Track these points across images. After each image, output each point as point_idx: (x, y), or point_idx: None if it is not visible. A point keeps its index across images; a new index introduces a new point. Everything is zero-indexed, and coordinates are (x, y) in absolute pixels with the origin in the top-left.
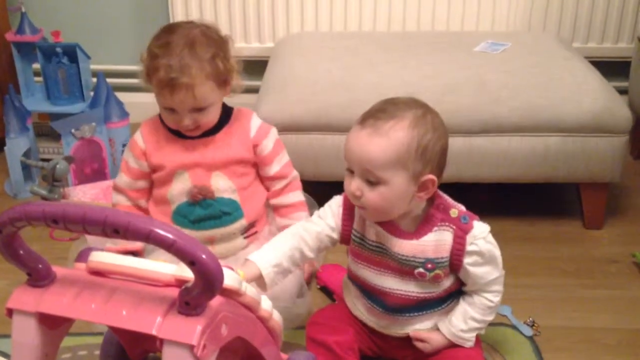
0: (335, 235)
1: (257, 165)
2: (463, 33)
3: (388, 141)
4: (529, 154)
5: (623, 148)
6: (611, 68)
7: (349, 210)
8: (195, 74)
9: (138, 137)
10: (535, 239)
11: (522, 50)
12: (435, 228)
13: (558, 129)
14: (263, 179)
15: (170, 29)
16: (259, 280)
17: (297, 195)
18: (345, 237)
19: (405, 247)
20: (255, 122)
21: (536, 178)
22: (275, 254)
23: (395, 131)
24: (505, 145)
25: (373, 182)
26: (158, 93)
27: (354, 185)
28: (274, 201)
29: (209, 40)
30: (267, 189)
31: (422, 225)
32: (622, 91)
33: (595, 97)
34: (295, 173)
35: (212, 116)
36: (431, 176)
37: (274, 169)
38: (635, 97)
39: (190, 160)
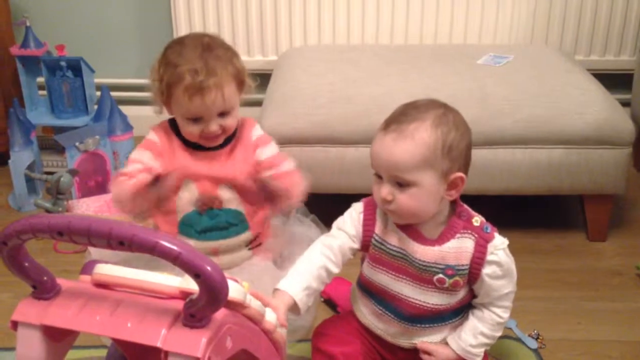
0: (356, 245)
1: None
2: (465, 46)
3: (413, 143)
4: (533, 166)
5: (626, 160)
6: (614, 80)
7: (371, 215)
8: (221, 74)
9: (154, 137)
10: (539, 251)
11: (525, 62)
12: (458, 235)
13: (561, 141)
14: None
15: (179, 41)
16: (293, 308)
17: (289, 164)
18: (365, 242)
19: (427, 253)
20: (256, 134)
21: (539, 190)
22: (304, 277)
23: (419, 132)
24: (508, 157)
25: (403, 185)
26: (187, 101)
27: (384, 190)
28: (266, 174)
29: (221, 43)
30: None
31: (445, 232)
32: (625, 103)
33: (598, 109)
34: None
35: (234, 120)
36: (460, 174)
37: (265, 154)
38: (638, 109)
39: (197, 171)
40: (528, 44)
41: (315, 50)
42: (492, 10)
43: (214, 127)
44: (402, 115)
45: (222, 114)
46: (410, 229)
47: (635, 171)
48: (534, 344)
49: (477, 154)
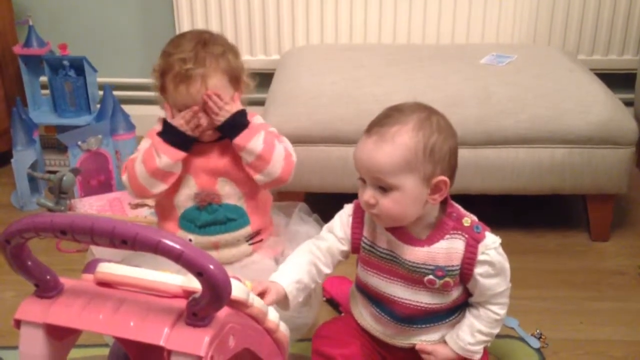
0: (346, 247)
1: None
2: (468, 45)
3: (394, 146)
4: (535, 166)
5: (629, 160)
6: (616, 80)
7: (359, 218)
8: (209, 65)
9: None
10: (542, 250)
11: (528, 62)
12: (447, 236)
13: (564, 140)
14: None
15: (180, 35)
16: (283, 300)
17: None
18: (355, 245)
19: (416, 254)
20: (257, 121)
21: (542, 190)
22: (295, 271)
23: (400, 135)
24: (511, 157)
25: (385, 188)
26: (174, 91)
27: (367, 194)
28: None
29: (219, 40)
30: None
31: (434, 232)
32: (628, 103)
33: (601, 109)
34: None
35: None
36: (443, 177)
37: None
38: None
39: (194, 165)
40: (531, 43)
41: (318, 50)
42: (494, 9)
43: (202, 119)
44: (385, 118)
45: None
46: (399, 231)
47: (638, 171)
48: (536, 344)
49: (479, 153)
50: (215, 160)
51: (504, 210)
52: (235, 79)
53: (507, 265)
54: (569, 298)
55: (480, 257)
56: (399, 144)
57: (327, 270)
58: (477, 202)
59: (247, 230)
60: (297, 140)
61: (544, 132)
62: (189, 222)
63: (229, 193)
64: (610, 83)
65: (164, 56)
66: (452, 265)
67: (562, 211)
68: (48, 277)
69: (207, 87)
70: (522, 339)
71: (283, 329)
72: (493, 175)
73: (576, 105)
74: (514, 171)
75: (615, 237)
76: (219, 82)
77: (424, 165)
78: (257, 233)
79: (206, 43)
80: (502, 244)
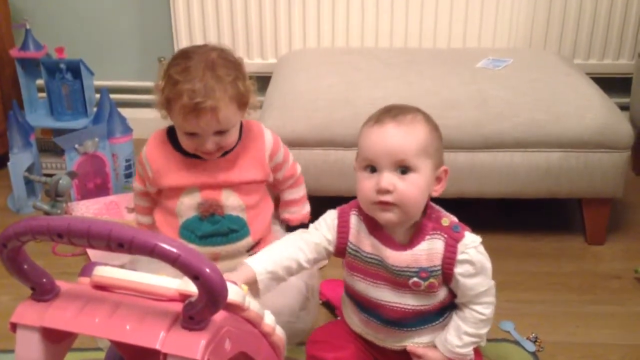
0: (331, 248)
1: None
2: (464, 49)
3: (415, 130)
4: (531, 170)
5: (625, 164)
6: (612, 84)
7: (345, 222)
8: (219, 97)
9: (145, 161)
10: (538, 254)
11: (524, 66)
12: (428, 237)
13: (560, 144)
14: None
15: (186, 55)
16: (252, 286)
17: (300, 191)
18: (340, 249)
19: (398, 258)
20: (269, 141)
21: (538, 193)
22: (273, 261)
23: (417, 122)
24: (507, 160)
25: (406, 171)
26: (182, 119)
27: (385, 180)
28: (279, 194)
29: (228, 63)
30: (273, 185)
31: (415, 235)
32: (624, 107)
33: (596, 113)
34: (299, 170)
35: (232, 138)
36: (444, 167)
37: (280, 175)
38: (636, 113)
39: (201, 181)
40: (527, 47)
41: (315, 53)
42: (491, 13)
43: (209, 145)
44: (392, 111)
45: (219, 133)
46: (382, 235)
47: (634, 175)
48: (532, 347)
49: (475, 157)
50: (223, 176)
51: (499, 214)
52: (243, 104)
53: (488, 264)
54: (564, 301)
55: (460, 256)
56: (419, 129)
57: (307, 266)
58: (473, 206)
59: (247, 241)
60: (294, 143)
61: (540, 136)
62: (190, 232)
63: (232, 204)
64: (606, 87)
65: (170, 81)
66: (434, 266)
67: (558, 215)
68: (44, 280)
69: (218, 118)
70: (517, 343)
71: (279, 332)
72: (489, 178)
73: (572, 109)
74: (510, 175)
75: (611, 240)
76: (228, 112)
77: (435, 154)
78: (258, 243)
79: (215, 67)
80: (498, 248)
